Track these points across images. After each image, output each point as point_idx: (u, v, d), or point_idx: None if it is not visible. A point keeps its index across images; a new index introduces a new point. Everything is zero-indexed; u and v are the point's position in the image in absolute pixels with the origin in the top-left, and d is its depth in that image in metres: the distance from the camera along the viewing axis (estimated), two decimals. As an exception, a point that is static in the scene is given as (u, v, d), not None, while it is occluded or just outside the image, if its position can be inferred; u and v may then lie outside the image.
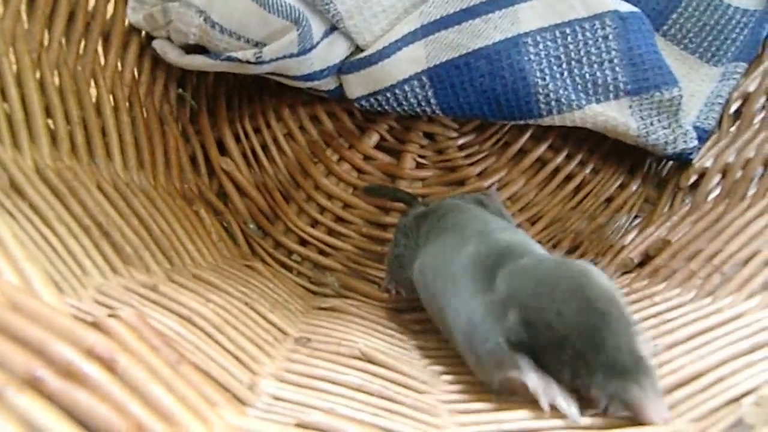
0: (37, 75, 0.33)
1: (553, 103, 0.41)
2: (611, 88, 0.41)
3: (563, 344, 0.22)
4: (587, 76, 0.41)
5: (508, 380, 0.24)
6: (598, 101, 0.41)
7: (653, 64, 0.40)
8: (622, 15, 0.41)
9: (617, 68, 0.41)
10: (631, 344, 0.22)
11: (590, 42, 0.41)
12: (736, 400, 0.22)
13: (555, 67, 0.41)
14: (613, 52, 0.41)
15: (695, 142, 0.42)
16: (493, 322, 0.25)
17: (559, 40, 0.41)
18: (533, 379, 0.23)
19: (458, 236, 0.31)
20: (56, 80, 0.34)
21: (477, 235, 0.30)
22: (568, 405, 0.22)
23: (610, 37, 0.41)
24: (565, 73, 0.41)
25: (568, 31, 0.41)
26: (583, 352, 0.22)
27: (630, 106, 0.41)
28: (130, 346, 0.17)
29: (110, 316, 0.18)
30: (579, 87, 0.41)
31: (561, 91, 0.41)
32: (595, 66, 0.41)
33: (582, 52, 0.41)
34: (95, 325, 0.17)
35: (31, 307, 0.16)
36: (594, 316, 0.22)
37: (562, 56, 0.41)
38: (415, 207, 0.41)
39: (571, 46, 0.41)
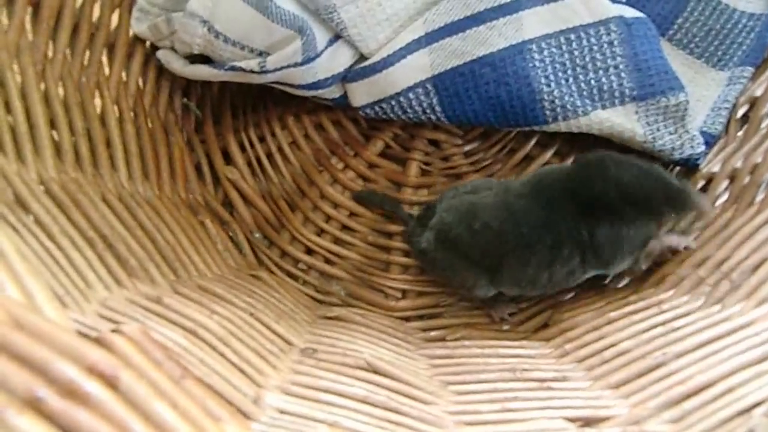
0: (42, 87, 0.33)
1: (558, 109, 0.41)
2: (617, 94, 0.41)
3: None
4: (593, 82, 0.41)
5: None
6: (603, 107, 0.41)
7: (659, 69, 0.40)
8: (627, 21, 0.40)
9: (623, 74, 0.40)
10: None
11: (595, 48, 0.41)
12: (746, 411, 0.22)
13: (560, 74, 0.41)
14: (619, 58, 0.40)
15: (702, 147, 0.41)
16: None
17: (563, 47, 0.41)
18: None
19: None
20: (60, 92, 0.34)
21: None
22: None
23: (615, 42, 0.40)
24: (571, 80, 0.41)
25: (572, 37, 0.41)
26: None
27: (636, 112, 0.41)
28: (133, 362, 0.17)
29: (113, 331, 0.17)
30: (584, 93, 0.41)
31: (566, 98, 0.41)
32: (601, 72, 0.41)
33: (587, 58, 0.41)
34: (98, 342, 0.17)
35: (34, 323, 0.15)
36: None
37: (567, 62, 0.41)
38: (411, 222, 0.43)
39: (576, 53, 0.41)
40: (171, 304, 0.27)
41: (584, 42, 0.41)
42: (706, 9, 0.46)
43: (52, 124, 0.33)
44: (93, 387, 0.14)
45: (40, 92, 0.32)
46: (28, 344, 0.14)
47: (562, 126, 0.42)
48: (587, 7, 0.40)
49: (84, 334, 0.18)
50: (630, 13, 0.41)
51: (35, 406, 0.13)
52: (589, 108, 0.41)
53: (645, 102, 0.40)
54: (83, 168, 0.33)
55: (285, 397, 0.24)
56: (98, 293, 0.25)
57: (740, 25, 0.45)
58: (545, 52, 0.41)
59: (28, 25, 0.34)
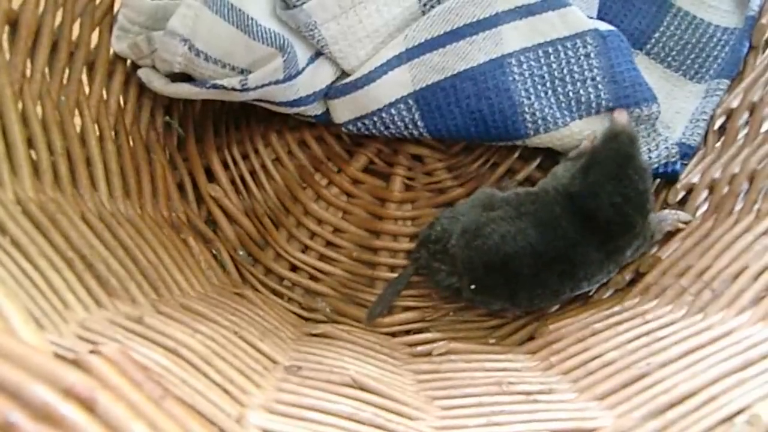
0: (20, 106, 0.33)
1: (539, 121, 0.41)
2: (594, 105, 0.41)
3: None
4: (571, 93, 0.42)
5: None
6: (581, 117, 0.42)
7: (633, 81, 0.41)
8: (602, 33, 0.41)
9: (599, 86, 0.41)
10: None
11: (573, 60, 0.41)
12: (728, 419, 0.22)
13: (539, 86, 0.41)
14: (595, 70, 0.41)
15: (677, 157, 0.42)
16: None
17: (542, 60, 0.41)
18: None
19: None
20: (39, 111, 0.34)
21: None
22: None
23: (592, 55, 0.41)
24: (549, 92, 0.42)
25: (550, 50, 0.41)
26: None
27: (611, 120, 0.42)
28: (111, 383, 0.16)
29: (91, 352, 0.17)
30: (563, 105, 0.42)
31: (546, 110, 0.41)
32: (579, 84, 0.41)
33: (565, 71, 0.41)
34: (75, 363, 0.16)
35: (9, 346, 0.15)
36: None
37: (546, 75, 0.41)
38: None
39: (554, 65, 0.41)
40: (152, 324, 0.27)
41: (562, 55, 0.41)
42: (682, 23, 0.47)
43: (30, 144, 0.32)
44: (68, 410, 0.14)
45: (18, 111, 0.32)
46: (2, 367, 0.14)
47: (543, 138, 0.42)
48: (564, 20, 0.41)
49: (61, 356, 0.17)
50: (604, 26, 0.42)
51: (8, 430, 0.13)
52: (568, 119, 0.41)
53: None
54: (62, 187, 0.33)
55: (269, 416, 0.24)
56: (77, 314, 0.25)
57: (715, 39, 0.46)
58: (524, 66, 0.41)
59: (5, 44, 0.34)
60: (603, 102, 0.41)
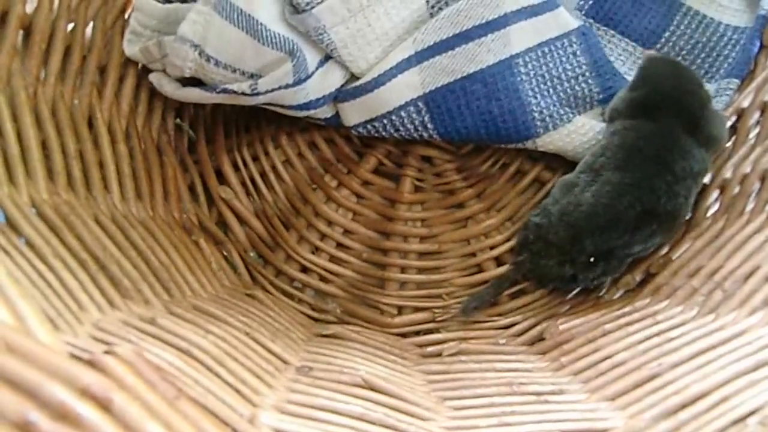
0: (34, 109, 0.33)
1: (547, 119, 0.42)
2: (588, 99, 0.43)
3: None
4: (568, 90, 0.43)
5: None
6: (580, 113, 0.44)
7: (612, 72, 0.43)
8: (582, 30, 0.43)
9: (589, 80, 0.43)
10: None
11: (564, 59, 0.43)
12: (741, 420, 0.22)
13: (542, 85, 0.43)
14: (584, 66, 0.43)
15: None
16: None
17: (541, 59, 0.43)
18: None
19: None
20: (53, 114, 0.34)
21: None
22: None
23: (578, 52, 0.43)
24: (551, 90, 0.43)
25: (546, 49, 0.43)
26: None
27: (602, 114, 0.44)
28: (127, 384, 0.17)
29: (106, 352, 0.17)
30: (563, 102, 0.43)
31: (552, 108, 0.42)
32: (572, 80, 0.43)
33: (560, 69, 0.43)
34: (90, 363, 0.16)
35: (26, 346, 0.15)
36: None
37: (546, 74, 0.43)
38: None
39: (550, 64, 0.43)
40: (165, 325, 0.27)
41: (555, 54, 0.43)
42: (692, 22, 0.47)
43: (44, 147, 0.33)
44: (85, 409, 0.14)
45: (32, 115, 0.32)
46: (20, 367, 0.14)
47: (554, 137, 0.43)
48: (556, 21, 0.43)
49: (77, 357, 0.18)
50: (579, 23, 0.44)
51: (27, 429, 0.13)
52: (571, 115, 0.43)
53: (608, 104, 0.43)
54: (76, 190, 0.33)
55: (281, 416, 0.24)
56: (91, 315, 0.25)
57: (726, 38, 0.46)
58: (529, 66, 0.42)
59: (19, 49, 0.34)
60: (594, 95, 0.43)
